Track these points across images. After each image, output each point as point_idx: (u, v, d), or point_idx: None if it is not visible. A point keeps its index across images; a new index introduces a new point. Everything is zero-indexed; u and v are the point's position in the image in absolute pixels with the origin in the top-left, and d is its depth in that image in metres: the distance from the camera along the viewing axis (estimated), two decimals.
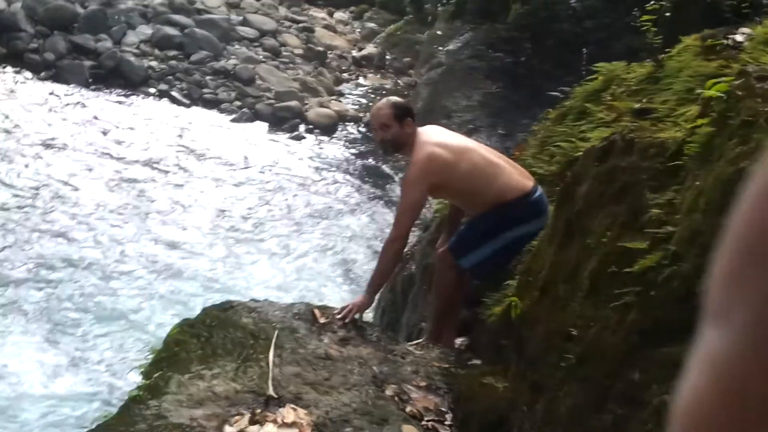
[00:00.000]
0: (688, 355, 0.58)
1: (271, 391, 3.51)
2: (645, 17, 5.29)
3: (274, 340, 3.86)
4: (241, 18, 14.06)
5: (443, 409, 3.70)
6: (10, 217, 7.79)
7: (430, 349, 4.31)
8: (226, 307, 4.19)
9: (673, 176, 2.98)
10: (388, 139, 4.61)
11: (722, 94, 2.89)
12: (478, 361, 4.18)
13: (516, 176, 4.56)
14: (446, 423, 3.62)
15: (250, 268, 7.84)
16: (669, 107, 3.70)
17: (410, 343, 4.57)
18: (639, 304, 2.78)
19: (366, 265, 7.23)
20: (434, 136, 4.57)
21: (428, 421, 3.59)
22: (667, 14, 5.46)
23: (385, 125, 4.52)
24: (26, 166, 8.78)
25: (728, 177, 2.55)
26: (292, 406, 3.46)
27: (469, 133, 10.04)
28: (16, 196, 8.20)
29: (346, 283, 7.60)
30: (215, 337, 3.89)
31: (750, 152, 2.55)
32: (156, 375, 3.64)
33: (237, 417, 3.36)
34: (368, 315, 6.83)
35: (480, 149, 4.62)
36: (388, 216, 7.04)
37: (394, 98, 5.01)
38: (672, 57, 4.34)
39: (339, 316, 4.28)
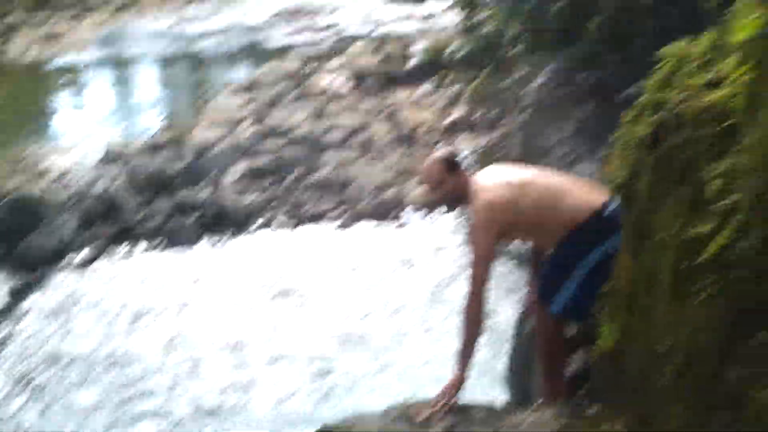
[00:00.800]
0: None
1: None
2: None
3: None
4: (328, 123, 14.09)
5: None
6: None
7: (544, 409, 3.94)
8: None
9: (731, 138, 2.66)
10: (447, 195, 4.61)
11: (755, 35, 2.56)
12: (593, 410, 3.78)
13: (584, 195, 4.26)
14: None
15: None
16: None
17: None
18: (720, 293, 2.42)
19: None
20: (489, 179, 4.39)
21: None
22: None
23: (439, 182, 4.53)
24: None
25: None
26: None
27: (570, 165, 9.56)
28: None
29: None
30: None
31: None
32: None
33: None
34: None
35: (540, 178, 4.44)
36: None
37: (440, 153, 4.82)
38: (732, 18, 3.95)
39: (438, 407, 4.01)
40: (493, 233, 4.20)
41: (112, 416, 7.62)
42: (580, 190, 4.34)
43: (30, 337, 9.07)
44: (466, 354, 4.20)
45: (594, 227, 4.18)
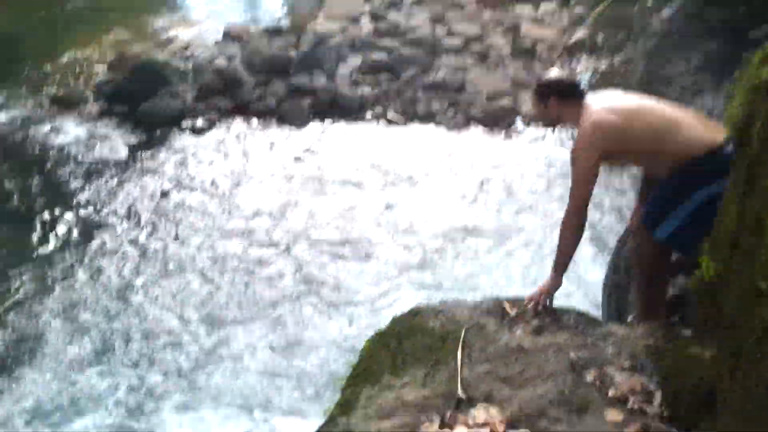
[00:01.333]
0: None
1: (460, 393, 3.38)
2: None
3: (461, 340, 3.73)
4: (446, 29, 14.08)
5: (651, 388, 3.40)
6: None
7: (636, 327, 4.01)
8: (414, 313, 4.11)
9: None
10: (540, 118, 4.78)
11: None
12: (687, 333, 3.84)
13: (701, 130, 4.17)
14: (655, 403, 3.31)
15: (457, 267, 7.99)
16: None
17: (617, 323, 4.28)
18: None
19: None
20: (602, 103, 4.33)
21: (634, 403, 3.32)
22: None
23: (534, 105, 4.64)
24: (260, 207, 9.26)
25: None
26: (484, 405, 3.31)
27: (693, 97, 9.45)
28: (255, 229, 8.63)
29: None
30: (404, 345, 3.81)
31: None
32: (348, 390, 3.62)
33: (426, 423, 3.25)
34: (596, 299, 6.58)
35: (656, 108, 4.28)
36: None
37: (544, 78, 4.74)
38: None
39: (530, 305, 4.10)
40: (596, 156, 4.20)
41: None
42: (698, 125, 4.21)
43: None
44: (562, 262, 4.28)
45: (708, 164, 4.11)
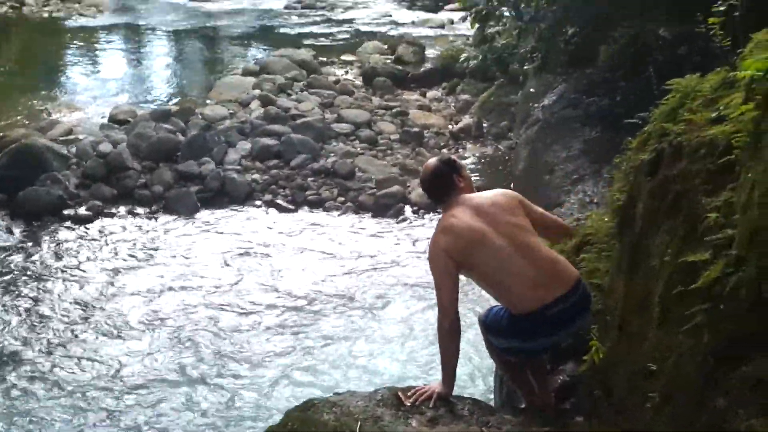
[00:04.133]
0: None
1: None
2: (711, 20, 4.85)
3: None
4: (335, 116, 14.23)
5: None
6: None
7: (528, 414, 4.00)
8: (307, 406, 4.03)
9: (729, 174, 2.68)
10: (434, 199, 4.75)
11: (762, 73, 2.57)
12: (580, 418, 3.84)
13: (532, 285, 4.09)
14: None
15: (347, 359, 7.83)
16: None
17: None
18: (709, 322, 2.48)
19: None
20: (461, 210, 4.30)
21: None
22: (735, 15, 5.03)
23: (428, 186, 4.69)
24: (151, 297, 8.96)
25: None
26: None
27: (574, 184, 9.69)
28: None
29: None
30: None
31: None
32: None
33: None
34: (488, 386, 6.55)
35: (505, 240, 4.17)
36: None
37: (438, 158, 4.74)
38: (744, 57, 3.99)
39: (417, 401, 4.06)
40: (443, 262, 4.19)
41: None
42: (532, 278, 4.11)
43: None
44: (446, 366, 4.23)
45: (532, 323, 4.10)
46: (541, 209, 4.63)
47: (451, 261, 4.18)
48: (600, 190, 9.02)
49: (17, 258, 9.82)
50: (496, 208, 4.30)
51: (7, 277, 9.35)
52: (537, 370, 4.42)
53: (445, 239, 4.23)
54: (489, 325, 4.39)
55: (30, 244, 10.18)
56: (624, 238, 3.60)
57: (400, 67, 17.61)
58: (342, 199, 11.38)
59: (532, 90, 12.91)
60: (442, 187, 4.46)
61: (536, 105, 12.20)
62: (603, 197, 8.35)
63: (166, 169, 12.01)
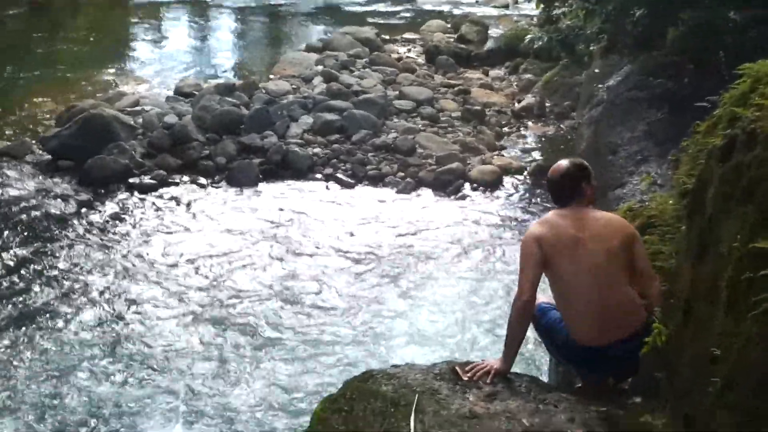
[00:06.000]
0: None
1: None
2: None
3: (414, 406, 3.69)
4: (397, 92, 14.26)
5: None
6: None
7: (586, 393, 4.00)
8: (366, 377, 4.07)
9: None
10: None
11: None
12: (638, 399, 3.84)
13: (596, 319, 4.12)
14: None
15: (405, 330, 7.88)
16: None
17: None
18: None
19: None
20: (556, 224, 4.34)
21: None
22: None
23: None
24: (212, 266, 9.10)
25: None
26: None
27: (638, 164, 9.60)
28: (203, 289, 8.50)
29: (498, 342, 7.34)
30: (356, 410, 3.75)
31: None
32: None
33: None
34: (543, 367, 6.57)
35: (587, 259, 4.18)
36: None
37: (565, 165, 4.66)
38: None
39: (475, 376, 4.10)
40: (531, 251, 4.23)
41: None
42: (601, 312, 4.11)
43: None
44: (509, 345, 4.27)
45: (584, 355, 4.20)
46: (648, 262, 4.39)
47: (539, 250, 4.22)
48: (664, 171, 8.92)
49: (84, 222, 10.07)
50: (604, 230, 4.28)
51: (75, 240, 9.58)
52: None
53: (540, 229, 4.31)
54: (545, 328, 4.44)
55: (96, 209, 10.42)
56: (692, 223, 3.55)
57: (462, 46, 17.53)
58: (402, 174, 11.42)
59: (597, 71, 12.77)
60: (568, 190, 4.44)
61: (601, 86, 12.06)
62: (668, 179, 8.27)
63: (229, 142, 12.15)
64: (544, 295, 4.50)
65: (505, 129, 13.29)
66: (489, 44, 17.77)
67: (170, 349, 7.62)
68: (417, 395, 3.81)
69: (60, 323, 7.97)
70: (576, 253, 4.16)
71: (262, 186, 11.23)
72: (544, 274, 4.31)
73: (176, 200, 10.75)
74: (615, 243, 4.19)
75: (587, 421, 3.64)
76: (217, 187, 11.18)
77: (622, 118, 10.78)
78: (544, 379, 5.87)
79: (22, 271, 8.86)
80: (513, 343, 4.26)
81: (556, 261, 4.20)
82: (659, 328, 3.62)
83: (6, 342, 7.65)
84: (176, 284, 8.70)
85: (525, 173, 11.55)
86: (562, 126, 13.27)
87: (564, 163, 4.58)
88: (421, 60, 17.21)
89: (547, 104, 14.03)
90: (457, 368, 4.20)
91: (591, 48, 12.79)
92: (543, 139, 12.92)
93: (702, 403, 2.79)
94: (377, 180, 11.36)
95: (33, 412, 6.70)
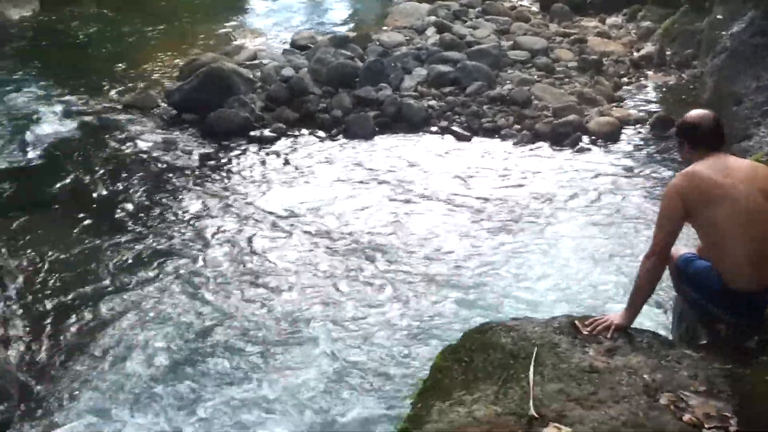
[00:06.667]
0: None
1: (532, 411, 3.39)
2: None
3: (534, 358, 3.74)
4: (511, 42, 14.12)
5: (727, 414, 3.37)
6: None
7: (710, 350, 3.97)
8: (485, 329, 4.14)
9: None
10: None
11: None
12: (765, 358, 3.79)
13: (755, 262, 4.06)
14: (731, 429, 3.29)
15: (521, 283, 7.82)
16: None
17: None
18: None
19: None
20: (705, 171, 4.24)
21: (710, 428, 3.29)
22: None
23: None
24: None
25: None
26: (556, 425, 3.31)
27: (764, 115, 9.30)
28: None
29: (618, 296, 7.24)
30: (475, 361, 3.83)
31: None
32: (419, 405, 3.65)
33: None
34: (663, 321, 6.50)
35: (737, 206, 4.12)
36: None
37: (683, 118, 4.67)
38: None
39: (595, 331, 4.11)
40: (673, 206, 4.20)
41: None
42: (761, 253, 4.07)
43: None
44: (635, 300, 4.27)
45: (746, 302, 4.14)
46: None
47: (681, 206, 4.19)
48: None
49: (209, 172, 10.40)
50: (753, 172, 4.26)
51: (200, 190, 9.91)
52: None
53: (684, 183, 4.24)
54: (692, 278, 4.37)
55: (220, 161, 10.73)
56: None
57: None
58: (518, 126, 11.33)
59: (719, 17, 12.33)
60: (719, 135, 4.42)
61: (724, 32, 11.65)
62: None
63: (345, 95, 12.29)
64: (684, 247, 4.48)
65: (624, 79, 13.00)
66: None
67: (299, 283, 7.86)
68: (536, 348, 3.86)
69: (192, 263, 8.27)
70: (729, 198, 4.11)
71: (378, 139, 11.33)
72: (691, 226, 4.30)
73: (296, 152, 10.96)
74: (765, 188, 4.17)
75: (710, 378, 3.63)
76: (334, 140, 11.34)
77: (746, 67, 10.42)
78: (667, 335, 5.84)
79: (152, 216, 9.23)
80: (639, 299, 4.25)
81: (707, 209, 4.15)
82: None
83: (148, 275, 8.06)
84: (299, 229, 8.89)
85: (645, 125, 11.27)
86: (683, 75, 12.91)
87: (703, 111, 4.59)
88: (535, 8, 16.98)
89: (667, 53, 13.66)
90: (576, 322, 4.22)
91: None
92: (663, 89, 12.60)
93: None
94: (493, 132, 11.30)
95: (181, 339, 7.03)
